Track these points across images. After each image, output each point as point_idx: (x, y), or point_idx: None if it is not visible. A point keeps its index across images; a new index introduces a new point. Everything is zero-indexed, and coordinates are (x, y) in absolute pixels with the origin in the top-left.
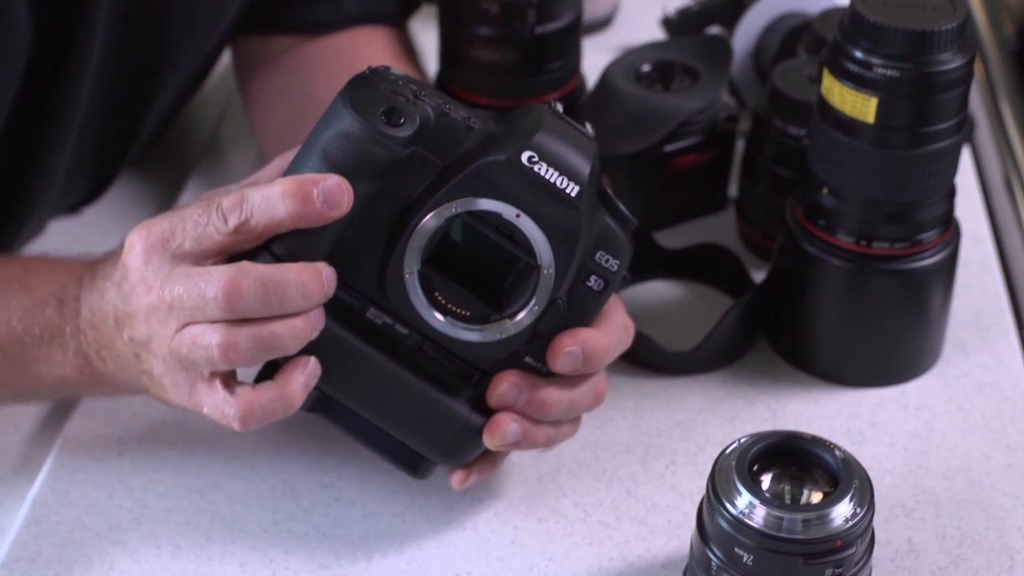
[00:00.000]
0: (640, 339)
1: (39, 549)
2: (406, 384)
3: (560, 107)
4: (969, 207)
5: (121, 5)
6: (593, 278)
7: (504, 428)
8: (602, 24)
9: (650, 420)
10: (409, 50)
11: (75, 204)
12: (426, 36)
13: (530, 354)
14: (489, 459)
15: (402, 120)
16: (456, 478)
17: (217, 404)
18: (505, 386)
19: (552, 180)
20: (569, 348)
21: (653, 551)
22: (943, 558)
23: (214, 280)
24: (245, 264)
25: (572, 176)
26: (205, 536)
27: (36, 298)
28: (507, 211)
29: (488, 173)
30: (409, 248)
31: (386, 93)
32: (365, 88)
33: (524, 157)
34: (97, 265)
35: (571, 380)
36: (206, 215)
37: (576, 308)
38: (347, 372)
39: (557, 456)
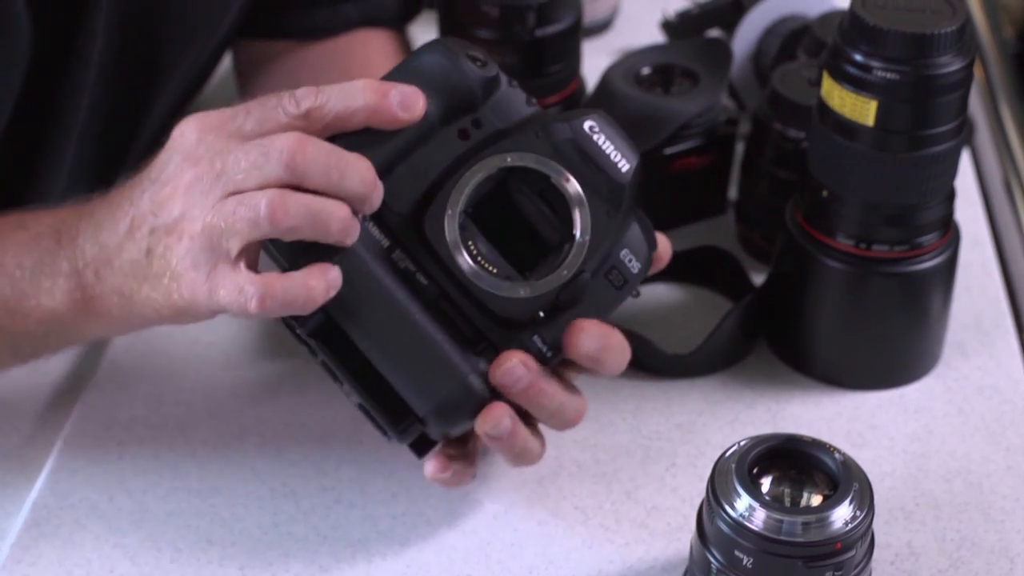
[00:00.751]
0: (640, 342)
1: (39, 552)
2: (417, 324)
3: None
4: (969, 210)
5: (121, 11)
6: (615, 273)
7: (500, 419)
8: (602, 27)
9: (650, 423)
10: (407, 53)
11: None
12: (426, 39)
13: (540, 334)
14: (465, 460)
15: (484, 65)
16: (432, 465)
17: (238, 283)
18: (515, 361)
19: (608, 152)
20: (592, 331)
21: (653, 554)
22: (943, 561)
23: (280, 139)
24: (309, 135)
25: (625, 155)
26: (205, 539)
27: (32, 233)
28: (557, 173)
29: (547, 133)
30: (456, 189)
31: (471, 46)
32: (453, 39)
33: (586, 125)
34: (114, 189)
35: (567, 385)
36: (276, 99)
37: (593, 298)
38: (362, 297)
39: (557, 459)
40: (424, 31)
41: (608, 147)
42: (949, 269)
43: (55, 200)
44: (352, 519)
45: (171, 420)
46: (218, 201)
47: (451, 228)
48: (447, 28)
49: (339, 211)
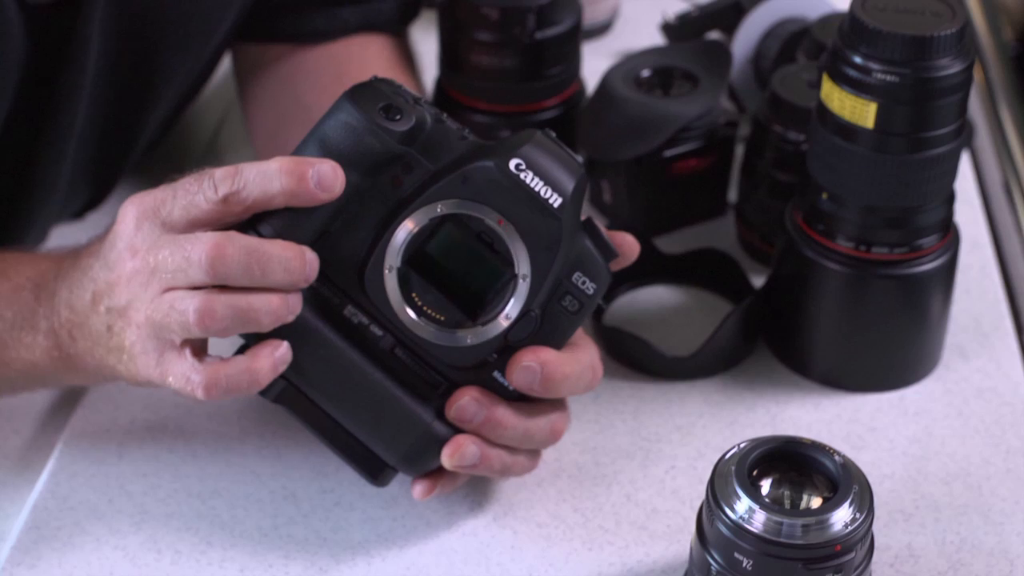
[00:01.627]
0: (640, 344)
1: (39, 554)
2: (374, 383)
3: (554, 134)
4: (968, 212)
5: (116, 17)
6: (568, 298)
7: (464, 449)
8: (602, 29)
9: (650, 425)
10: (405, 58)
11: (77, 211)
12: (426, 42)
13: (499, 369)
14: (451, 473)
15: (399, 116)
16: (418, 489)
17: (184, 371)
18: (466, 399)
19: (537, 189)
20: (528, 363)
21: (653, 556)
22: (942, 563)
23: (200, 243)
24: (232, 232)
25: (557, 188)
26: (205, 541)
27: (13, 284)
28: (490, 216)
29: (476, 177)
30: (392, 243)
31: (387, 94)
32: (368, 88)
33: (512, 164)
34: (83, 249)
35: (530, 408)
36: (197, 184)
37: (549, 327)
38: (318, 363)
39: (557, 461)
40: (424, 32)
41: (537, 183)
42: (949, 271)
43: (55, 205)
44: (352, 521)
45: (171, 422)
46: (156, 296)
47: (391, 285)
48: (447, 30)
49: (268, 305)
